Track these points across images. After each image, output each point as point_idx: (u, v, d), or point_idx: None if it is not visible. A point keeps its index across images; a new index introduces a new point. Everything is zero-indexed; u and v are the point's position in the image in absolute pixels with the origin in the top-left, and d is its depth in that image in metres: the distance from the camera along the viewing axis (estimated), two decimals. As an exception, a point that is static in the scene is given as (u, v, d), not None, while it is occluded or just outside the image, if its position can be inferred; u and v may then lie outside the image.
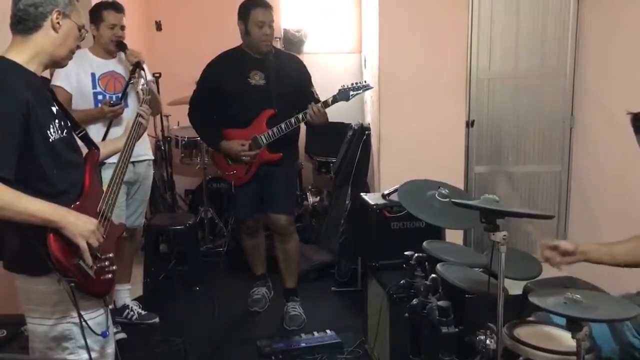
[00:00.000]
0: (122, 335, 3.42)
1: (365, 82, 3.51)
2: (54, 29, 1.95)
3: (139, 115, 2.43)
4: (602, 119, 3.86)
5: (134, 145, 2.34)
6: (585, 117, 4.05)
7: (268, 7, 3.43)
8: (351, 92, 3.36)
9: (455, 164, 4.03)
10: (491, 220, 1.86)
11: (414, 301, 2.26)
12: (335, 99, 3.36)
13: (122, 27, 3.35)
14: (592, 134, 3.99)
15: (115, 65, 3.40)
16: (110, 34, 3.31)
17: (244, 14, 3.43)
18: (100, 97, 3.33)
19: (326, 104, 3.36)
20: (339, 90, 3.39)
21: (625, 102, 3.53)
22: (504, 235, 1.86)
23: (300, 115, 3.37)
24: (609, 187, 3.73)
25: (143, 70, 3.14)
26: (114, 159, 2.27)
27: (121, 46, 3.33)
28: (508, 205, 2.00)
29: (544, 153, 4.22)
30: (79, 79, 3.30)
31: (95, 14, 3.32)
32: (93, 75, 3.34)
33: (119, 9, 3.33)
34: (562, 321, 1.96)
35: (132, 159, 3.28)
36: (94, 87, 3.33)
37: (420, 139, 3.97)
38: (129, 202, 3.52)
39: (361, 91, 3.42)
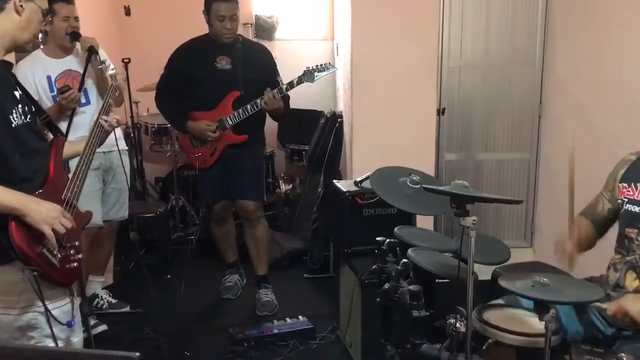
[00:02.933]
0: (103, 327, 3.38)
1: (330, 63, 3.54)
2: (17, 12, 1.89)
3: (104, 110, 2.30)
4: (570, 108, 3.93)
5: (98, 140, 2.23)
6: (554, 106, 4.11)
7: (230, 0, 3.41)
8: (316, 74, 3.43)
9: (426, 152, 4.05)
10: (461, 205, 1.89)
11: (386, 286, 2.28)
12: (300, 80, 3.42)
13: (76, 18, 3.26)
14: (560, 122, 4.05)
15: (71, 63, 3.31)
16: (65, 26, 3.21)
17: (207, 5, 3.46)
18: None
19: (291, 85, 3.43)
20: (304, 71, 3.44)
21: (593, 92, 3.62)
22: (474, 220, 1.88)
23: (258, 100, 3.42)
24: (575, 174, 3.80)
25: (97, 54, 3.08)
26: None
27: (75, 36, 3.24)
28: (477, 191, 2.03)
29: (513, 141, 4.28)
30: (37, 83, 3.22)
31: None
32: (49, 78, 3.25)
33: (69, 0, 3.23)
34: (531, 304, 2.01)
35: (104, 149, 3.25)
36: (52, 90, 3.25)
37: (392, 127, 3.99)
38: (108, 192, 3.47)
39: (325, 72, 3.47)
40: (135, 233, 4.44)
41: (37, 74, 3.22)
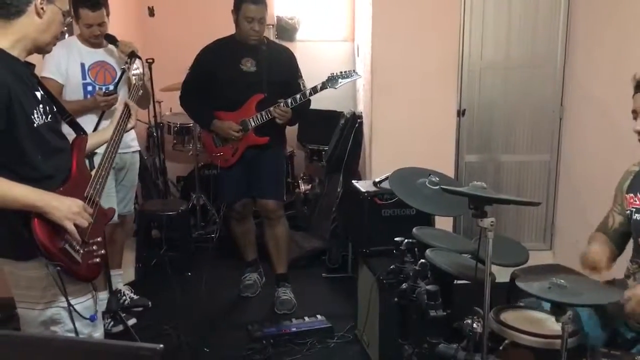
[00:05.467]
0: (133, 320, 3.46)
1: (354, 71, 3.59)
2: (38, 14, 1.92)
3: (126, 109, 2.36)
4: (591, 110, 3.90)
5: (122, 136, 2.30)
6: (575, 108, 4.08)
7: (260, 3, 3.45)
8: (340, 80, 3.47)
9: (446, 153, 4.06)
10: (479, 206, 1.90)
11: (403, 286, 2.30)
12: (323, 86, 3.47)
13: (101, 24, 3.23)
14: (581, 124, 4.03)
15: (104, 55, 3.34)
16: (88, 33, 3.24)
17: (236, 5, 3.49)
18: (90, 88, 3.29)
19: (315, 90, 3.47)
20: (328, 77, 3.48)
21: (614, 93, 3.59)
22: (492, 222, 1.89)
23: (270, 109, 3.47)
24: (597, 176, 3.77)
25: (140, 58, 3.10)
26: (103, 149, 2.25)
27: (110, 39, 3.27)
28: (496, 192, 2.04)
29: (534, 142, 4.26)
30: (69, 68, 3.25)
31: (74, 9, 3.22)
32: (82, 65, 3.29)
33: (94, 7, 3.18)
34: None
35: (119, 150, 3.30)
36: (84, 77, 3.29)
37: (411, 128, 4.00)
38: (118, 189, 3.53)
39: (349, 79, 3.52)
40: (157, 231, 4.54)
41: (71, 59, 3.25)
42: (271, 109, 3.47)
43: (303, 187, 5.16)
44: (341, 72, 3.49)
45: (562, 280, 1.83)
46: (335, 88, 3.48)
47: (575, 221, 4.09)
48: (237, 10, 3.48)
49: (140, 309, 3.68)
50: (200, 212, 4.89)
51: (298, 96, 3.46)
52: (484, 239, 1.93)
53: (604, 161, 3.69)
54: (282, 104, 3.46)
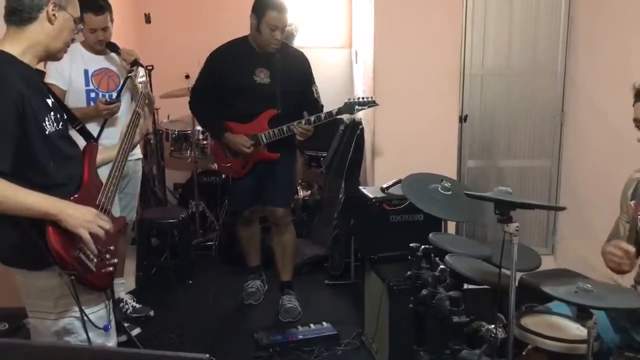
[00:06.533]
0: (138, 330, 3.42)
1: (371, 97, 3.55)
2: (50, 20, 1.90)
3: (135, 116, 2.33)
4: (592, 116, 3.94)
5: (132, 143, 2.26)
6: (576, 114, 4.12)
7: (284, 11, 3.36)
8: (356, 107, 3.46)
9: (448, 159, 4.06)
10: (505, 212, 1.89)
11: (423, 292, 2.29)
12: (339, 112, 3.45)
13: (105, 29, 3.19)
14: (582, 130, 4.06)
15: (108, 62, 3.31)
16: (93, 38, 3.20)
17: (259, 10, 3.35)
18: (92, 94, 3.25)
19: (330, 115, 3.44)
20: (345, 103, 3.46)
21: (615, 99, 3.62)
22: (517, 227, 1.89)
23: (295, 124, 3.41)
24: (597, 181, 3.80)
25: (142, 66, 3.06)
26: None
27: (112, 47, 3.23)
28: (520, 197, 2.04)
29: (535, 148, 4.29)
30: (72, 75, 3.21)
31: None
32: (86, 72, 3.25)
33: (98, 11, 3.15)
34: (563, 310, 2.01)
35: None
36: (87, 84, 3.24)
37: (413, 134, 4.00)
38: (120, 197, 3.48)
39: (366, 107, 3.50)
40: (157, 239, 4.49)
41: (75, 65, 3.21)
42: (294, 124, 3.39)
43: (302, 193, 5.13)
44: (359, 99, 3.46)
45: (588, 285, 1.83)
46: (352, 114, 3.47)
47: (576, 226, 4.11)
48: (259, 16, 3.34)
49: (142, 317, 3.64)
50: (199, 219, 4.84)
51: (322, 115, 3.42)
52: (506, 243, 1.93)
53: (604, 166, 3.72)
54: (304, 121, 3.39)
